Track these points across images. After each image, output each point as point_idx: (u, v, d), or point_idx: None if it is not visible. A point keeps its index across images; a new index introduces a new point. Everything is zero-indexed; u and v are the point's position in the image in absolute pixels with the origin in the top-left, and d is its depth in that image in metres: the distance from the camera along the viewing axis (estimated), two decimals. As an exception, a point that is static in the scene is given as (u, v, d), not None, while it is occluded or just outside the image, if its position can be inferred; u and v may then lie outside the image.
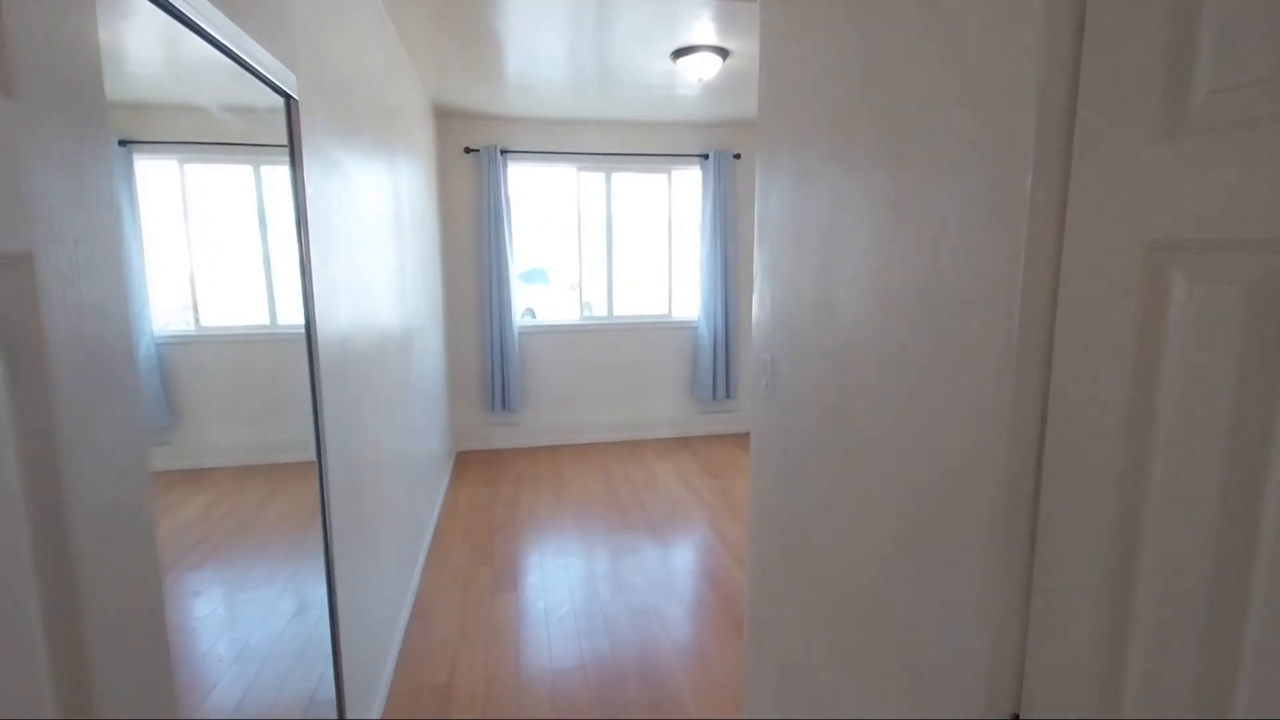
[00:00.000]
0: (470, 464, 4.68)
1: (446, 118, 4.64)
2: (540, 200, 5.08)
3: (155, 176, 1.03)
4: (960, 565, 0.91)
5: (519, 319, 5.09)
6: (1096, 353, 0.71)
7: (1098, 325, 0.71)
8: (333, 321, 1.74)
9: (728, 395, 5.26)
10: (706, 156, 4.95)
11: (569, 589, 2.86)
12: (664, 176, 5.12)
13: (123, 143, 0.91)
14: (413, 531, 2.94)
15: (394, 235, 2.77)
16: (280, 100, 1.46)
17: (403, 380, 2.82)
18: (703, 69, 3.14)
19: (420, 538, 3.13)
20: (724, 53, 3.10)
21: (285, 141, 1.49)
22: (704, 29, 2.86)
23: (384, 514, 2.32)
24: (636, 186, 5.18)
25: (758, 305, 1.64)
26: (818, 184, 1.31)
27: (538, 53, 3.19)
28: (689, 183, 5.17)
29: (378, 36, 2.53)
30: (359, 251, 2.12)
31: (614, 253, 5.11)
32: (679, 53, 3.11)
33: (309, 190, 1.57)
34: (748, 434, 5.38)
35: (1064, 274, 0.76)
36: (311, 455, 1.59)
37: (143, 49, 0.97)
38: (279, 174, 1.59)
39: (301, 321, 1.54)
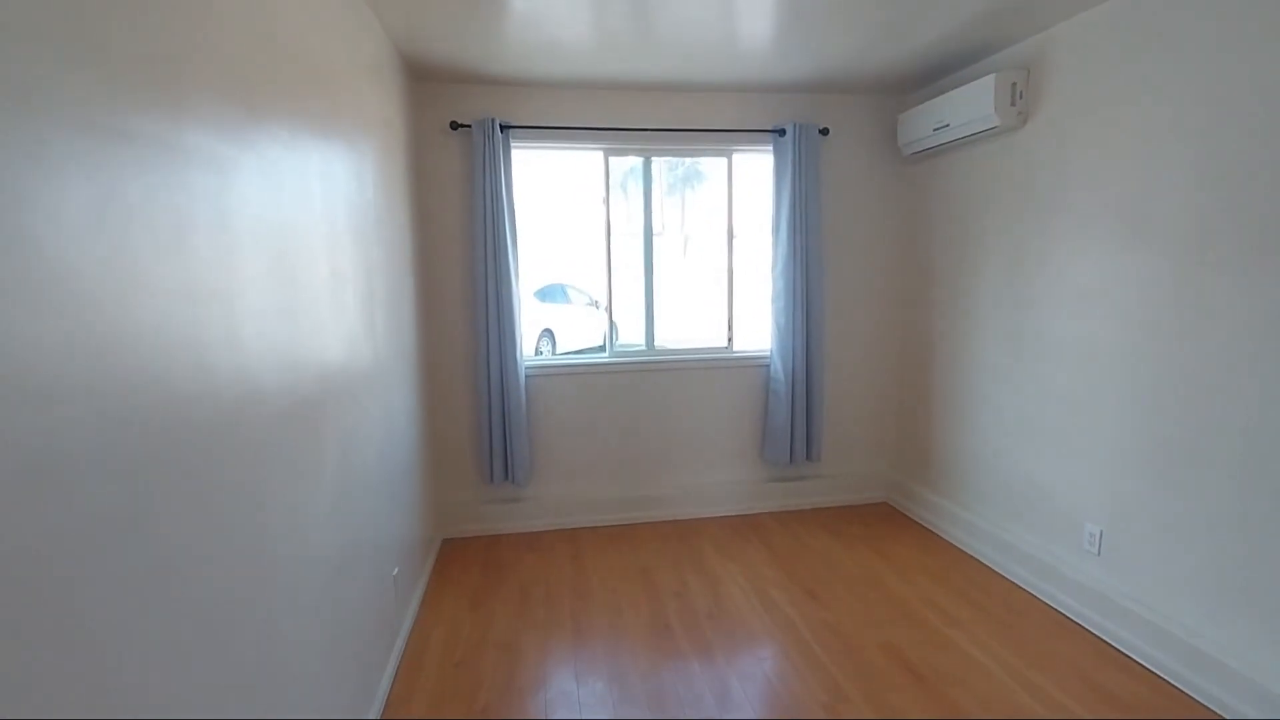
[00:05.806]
0: (458, 560, 3.35)
1: (424, 81, 3.36)
2: (555, 193, 3.78)
3: None
4: None
5: (529, 352, 3.78)
6: None
7: None
8: None
9: (808, 457, 3.86)
10: (782, 132, 3.59)
11: None
12: (722, 161, 3.79)
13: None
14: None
15: (279, 251, 1.47)
16: None
17: (297, 481, 1.51)
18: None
19: (341, 754, 1.79)
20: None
21: None
22: None
23: None
24: (685, 174, 3.85)
25: None
26: None
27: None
28: (757, 168, 3.83)
29: None
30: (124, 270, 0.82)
31: (654, 264, 3.78)
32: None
33: None
34: (835, 509, 3.96)
35: None
36: None
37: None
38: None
39: None
